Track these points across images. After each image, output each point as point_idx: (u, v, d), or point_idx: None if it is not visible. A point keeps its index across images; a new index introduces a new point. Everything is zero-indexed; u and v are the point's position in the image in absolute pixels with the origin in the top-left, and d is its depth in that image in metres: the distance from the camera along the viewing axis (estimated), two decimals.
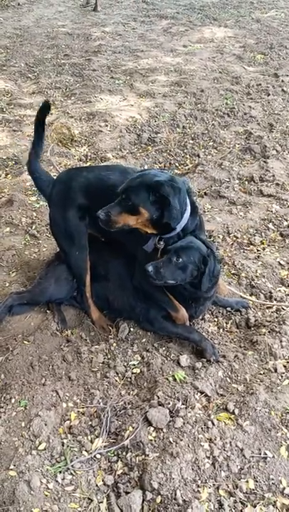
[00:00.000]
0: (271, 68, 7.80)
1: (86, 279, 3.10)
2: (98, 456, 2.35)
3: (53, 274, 3.17)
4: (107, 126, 5.89)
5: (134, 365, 2.82)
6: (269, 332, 2.94)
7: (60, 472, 2.26)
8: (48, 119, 6.06)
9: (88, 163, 5.13)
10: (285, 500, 2.13)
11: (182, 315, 2.89)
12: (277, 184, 4.63)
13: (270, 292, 3.32)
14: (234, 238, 3.93)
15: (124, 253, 3.08)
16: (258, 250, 3.80)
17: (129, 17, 11.56)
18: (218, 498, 2.13)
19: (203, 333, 3.01)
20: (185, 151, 5.33)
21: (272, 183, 4.66)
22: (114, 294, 3.14)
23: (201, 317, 3.14)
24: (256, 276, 3.46)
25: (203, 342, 2.85)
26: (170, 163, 5.12)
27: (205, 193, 4.57)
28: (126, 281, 3.08)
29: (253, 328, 3.05)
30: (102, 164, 4.86)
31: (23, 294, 3.16)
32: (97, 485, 2.24)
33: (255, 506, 2.11)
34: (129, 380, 2.75)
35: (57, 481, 2.23)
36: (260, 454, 2.28)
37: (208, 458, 2.26)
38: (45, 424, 2.44)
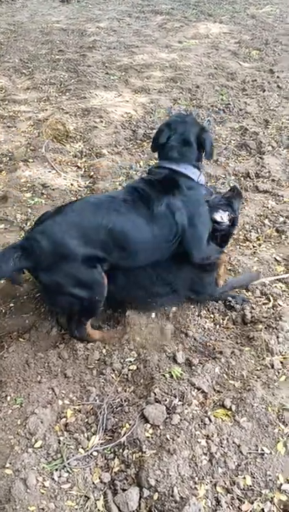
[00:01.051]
0: (266, 64, 7.78)
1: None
2: (95, 453, 2.34)
3: None
4: (102, 122, 5.85)
5: (130, 361, 2.81)
6: (266, 328, 2.93)
7: (56, 470, 2.25)
8: (43, 114, 6.07)
9: (83, 159, 5.11)
10: (282, 497, 2.12)
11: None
12: (273, 180, 4.62)
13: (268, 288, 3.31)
14: None
15: None
16: (254, 246, 3.79)
17: (124, 13, 11.51)
18: (216, 495, 2.13)
19: (199, 329, 3.01)
20: None
21: (268, 179, 4.65)
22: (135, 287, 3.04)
23: (197, 313, 3.13)
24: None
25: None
26: None
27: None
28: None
29: (249, 325, 3.04)
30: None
31: None
32: (93, 482, 2.23)
33: (252, 503, 2.11)
34: (125, 376, 2.73)
35: (53, 479, 2.21)
36: (257, 450, 2.28)
37: (206, 454, 2.26)
38: (41, 422, 2.42)
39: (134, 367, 2.77)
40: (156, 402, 2.47)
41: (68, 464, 2.27)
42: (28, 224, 4.02)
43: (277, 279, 3.39)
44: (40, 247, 2.59)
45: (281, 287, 3.33)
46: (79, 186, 4.63)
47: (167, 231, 2.81)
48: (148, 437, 2.34)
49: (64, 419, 2.48)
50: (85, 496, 2.17)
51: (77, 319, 2.87)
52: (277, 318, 2.98)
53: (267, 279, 3.37)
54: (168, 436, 2.31)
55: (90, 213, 2.71)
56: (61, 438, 2.39)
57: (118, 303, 3.12)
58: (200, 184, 2.99)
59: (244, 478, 2.19)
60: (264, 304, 3.20)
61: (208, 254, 3.01)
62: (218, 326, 3.08)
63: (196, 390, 2.57)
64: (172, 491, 2.11)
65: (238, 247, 3.78)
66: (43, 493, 2.15)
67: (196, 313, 3.15)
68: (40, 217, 2.86)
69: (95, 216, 2.68)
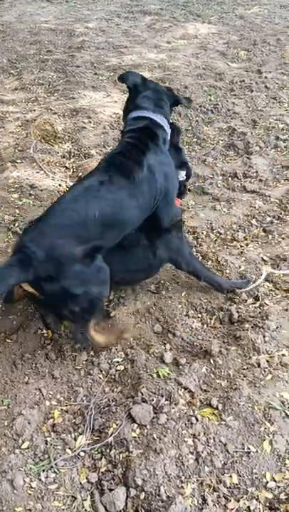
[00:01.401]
0: (254, 65, 7.82)
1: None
2: (82, 453, 2.34)
3: None
4: (90, 122, 5.84)
5: (118, 362, 2.81)
6: (252, 327, 2.96)
7: (43, 471, 2.25)
8: (31, 115, 6.05)
9: (72, 160, 5.10)
10: (268, 494, 2.14)
11: None
12: (261, 180, 4.65)
13: (257, 289, 3.32)
14: (218, 234, 3.94)
15: None
16: (241, 246, 3.81)
17: (113, 13, 11.50)
18: (202, 494, 2.14)
19: (187, 329, 3.02)
20: None
21: (255, 179, 4.68)
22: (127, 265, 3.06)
23: (185, 313, 3.15)
24: (239, 273, 3.47)
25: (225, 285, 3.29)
26: None
27: (189, 190, 4.56)
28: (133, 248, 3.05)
29: (236, 324, 3.06)
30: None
31: None
32: (80, 483, 2.24)
33: (238, 501, 2.12)
34: (113, 377, 2.74)
35: (40, 480, 2.21)
36: (244, 448, 2.29)
37: (192, 453, 2.27)
38: (29, 423, 2.42)
39: (122, 367, 2.78)
40: (144, 401, 2.48)
41: (55, 464, 2.27)
42: (16, 225, 4.00)
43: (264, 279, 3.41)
44: (36, 257, 2.46)
45: (268, 286, 3.35)
46: (67, 187, 4.61)
47: (150, 196, 2.79)
48: (135, 437, 2.35)
49: (51, 420, 2.48)
50: (72, 497, 2.18)
51: (82, 322, 2.76)
52: (264, 318, 3.00)
53: (255, 283, 3.32)
54: (155, 435, 2.32)
55: (73, 210, 2.61)
56: (48, 439, 2.39)
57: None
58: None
59: (230, 476, 2.20)
60: (251, 303, 3.22)
61: (174, 217, 3.08)
62: (205, 326, 3.10)
63: (183, 390, 2.59)
64: (159, 490, 2.12)
65: (225, 246, 3.80)
66: (30, 494, 2.15)
67: (184, 313, 3.17)
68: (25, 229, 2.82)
69: (78, 210, 2.60)
